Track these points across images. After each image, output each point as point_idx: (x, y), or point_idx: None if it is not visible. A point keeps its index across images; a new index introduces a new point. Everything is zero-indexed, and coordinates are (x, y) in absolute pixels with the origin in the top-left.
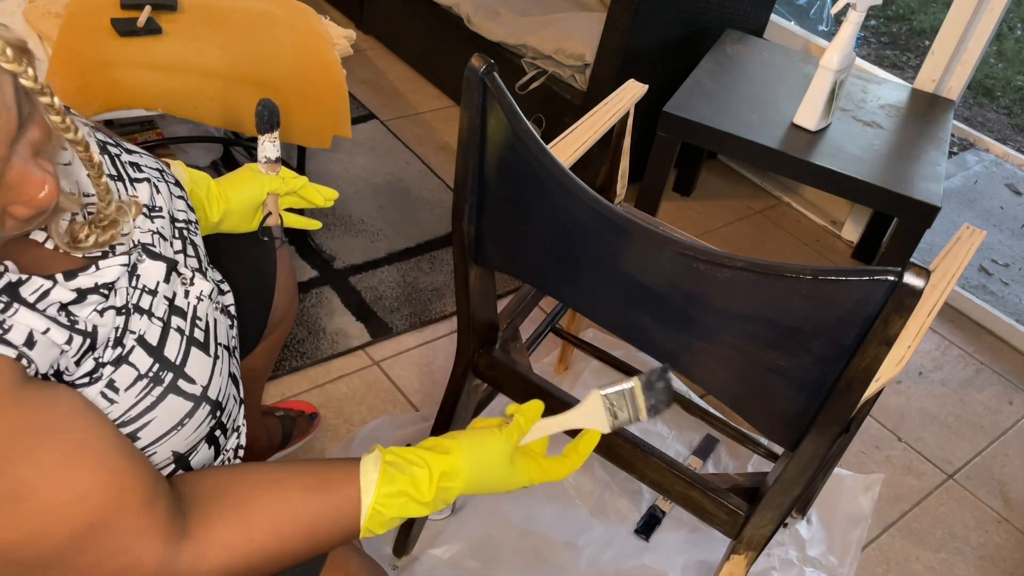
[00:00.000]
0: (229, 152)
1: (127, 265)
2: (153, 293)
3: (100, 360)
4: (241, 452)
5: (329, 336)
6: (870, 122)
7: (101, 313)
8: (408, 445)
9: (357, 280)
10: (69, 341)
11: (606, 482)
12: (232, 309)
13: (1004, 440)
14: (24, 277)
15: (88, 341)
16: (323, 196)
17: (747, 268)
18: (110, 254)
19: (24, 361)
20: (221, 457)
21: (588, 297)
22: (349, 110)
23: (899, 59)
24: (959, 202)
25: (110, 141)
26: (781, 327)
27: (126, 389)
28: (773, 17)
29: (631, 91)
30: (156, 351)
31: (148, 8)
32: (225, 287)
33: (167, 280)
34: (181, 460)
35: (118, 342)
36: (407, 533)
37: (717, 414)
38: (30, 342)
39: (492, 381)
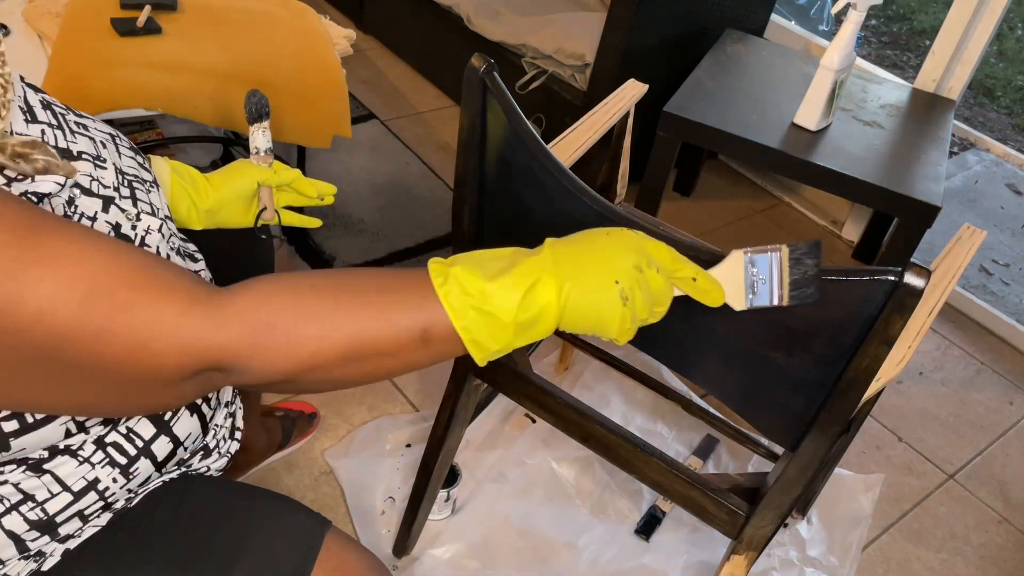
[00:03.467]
0: (229, 152)
1: (62, 184)
2: (93, 219)
3: None
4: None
5: None
6: (870, 122)
7: None
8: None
9: None
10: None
11: (606, 482)
12: (203, 264)
13: (1004, 440)
14: None
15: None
16: (317, 189)
17: None
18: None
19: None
20: (212, 435)
21: None
22: (349, 110)
23: (899, 59)
24: (959, 202)
25: (58, 104)
26: (781, 327)
27: None
28: (773, 17)
29: (631, 91)
30: None
31: (148, 8)
32: (199, 256)
33: (106, 210)
34: (163, 426)
35: None
36: (407, 533)
37: (717, 414)
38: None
39: (492, 381)
